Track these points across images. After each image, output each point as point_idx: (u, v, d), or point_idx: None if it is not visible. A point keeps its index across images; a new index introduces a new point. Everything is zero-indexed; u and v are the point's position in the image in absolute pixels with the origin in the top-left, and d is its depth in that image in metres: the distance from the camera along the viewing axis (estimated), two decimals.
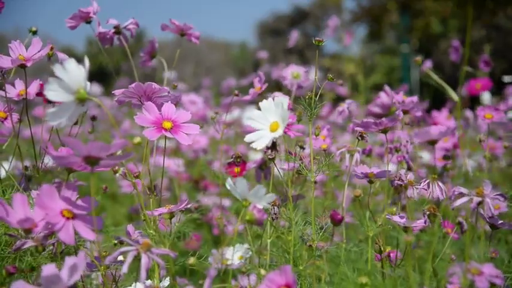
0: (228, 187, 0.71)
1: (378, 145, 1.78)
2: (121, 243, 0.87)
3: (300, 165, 0.92)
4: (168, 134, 0.80)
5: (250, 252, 1.02)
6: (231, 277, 0.83)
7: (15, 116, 0.97)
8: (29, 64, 0.91)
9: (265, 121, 0.77)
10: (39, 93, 0.97)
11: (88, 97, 0.62)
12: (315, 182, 0.91)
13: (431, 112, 1.62)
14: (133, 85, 0.84)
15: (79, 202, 0.67)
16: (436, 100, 2.09)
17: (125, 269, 0.62)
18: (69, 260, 0.58)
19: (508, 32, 8.69)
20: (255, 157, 2.04)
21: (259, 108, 0.79)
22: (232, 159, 1.03)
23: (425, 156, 1.91)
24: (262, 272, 0.81)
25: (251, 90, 1.09)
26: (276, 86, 1.26)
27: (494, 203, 0.84)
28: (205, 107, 2.47)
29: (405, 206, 0.92)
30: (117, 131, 0.74)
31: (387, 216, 0.88)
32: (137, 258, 0.65)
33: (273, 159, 0.88)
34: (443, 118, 1.55)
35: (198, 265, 0.87)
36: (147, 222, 0.82)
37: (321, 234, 0.89)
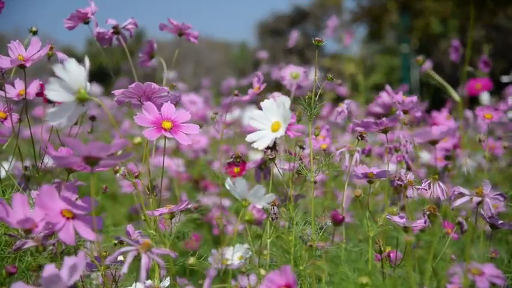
0: (228, 187, 0.71)
1: (378, 145, 1.78)
2: (121, 243, 0.87)
3: (299, 165, 0.92)
4: (168, 134, 0.80)
5: (250, 252, 1.02)
6: (231, 277, 0.83)
7: (15, 116, 0.97)
8: (28, 64, 0.91)
9: (267, 121, 0.77)
10: (39, 93, 0.97)
11: (88, 97, 0.62)
12: (315, 182, 0.91)
13: (431, 112, 1.62)
14: (132, 85, 0.84)
15: (79, 202, 0.67)
16: (436, 100, 2.08)
17: (125, 269, 0.62)
18: (69, 260, 0.58)
19: (508, 32, 8.69)
20: (255, 157, 2.04)
21: (260, 108, 0.79)
22: (232, 159, 1.03)
23: (425, 156, 1.91)
24: (262, 272, 0.81)
25: (250, 91, 1.09)
26: (276, 86, 1.26)
27: (493, 203, 0.84)
28: (205, 107, 2.47)
29: (404, 206, 0.92)
30: (117, 131, 0.74)
31: (387, 217, 0.88)
32: (137, 258, 0.65)
33: (273, 159, 0.89)
34: (443, 118, 1.55)
35: (198, 265, 0.87)
36: (147, 222, 0.82)
37: (320, 234, 0.89)
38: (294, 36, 2.59)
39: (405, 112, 1.11)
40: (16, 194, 0.67)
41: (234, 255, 1.02)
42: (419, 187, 0.90)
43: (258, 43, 14.05)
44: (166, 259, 0.78)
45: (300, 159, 0.93)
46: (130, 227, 0.89)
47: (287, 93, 1.21)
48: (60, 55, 0.98)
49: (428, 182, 0.89)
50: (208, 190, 2.13)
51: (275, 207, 0.89)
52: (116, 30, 1.04)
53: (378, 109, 1.34)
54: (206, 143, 2.26)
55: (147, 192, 0.89)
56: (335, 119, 1.17)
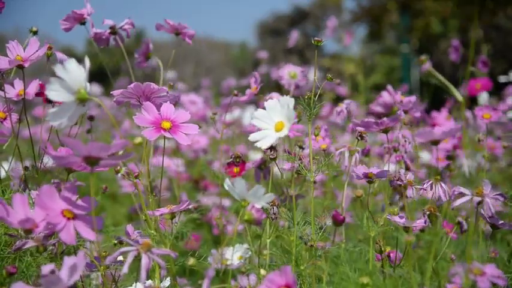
0: (227, 187, 0.71)
1: (378, 145, 1.78)
2: (121, 243, 0.87)
3: (299, 165, 0.92)
4: (167, 134, 0.80)
5: (250, 252, 1.02)
6: (231, 277, 0.83)
7: (15, 116, 0.97)
8: (26, 65, 0.91)
9: (270, 121, 0.77)
10: (39, 93, 0.97)
11: (89, 97, 0.62)
12: (314, 182, 0.91)
13: (430, 112, 1.62)
14: (132, 85, 0.84)
15: (79, 202, 0.67)
16: (436, 100, 2.08)
17: (125, 269, 0.62)
18: (69, 260, 0.59)
19: (508, 32, 8.68)
20: (255, 157, 2.04)
21: (260, 108, 0.79)
22: (231, 160, 1.03)
23: (425, 156, 1.91)
24: (263, 272, 0.81)
25: (247, 91, 1.09)
26: (276, 86, 1.26)
27: (494, 203, 0.84)
28: (205, 107, 2.47)
29: (404, 206, 0.92)
30: (117, 131, 0.74)
31: (388, 217, 0.88)
32: (137, 259, 0.65)
33: (274, 159, 0.89)
34: (442, 118, 1.55)
35: (198, 265, 0.87)
36: (148, 222, 0.82)
37: (320, 234, 0.89)
38: (294, 37, 2.59)
39: (405, 112, 1.11)
40: (16, 194, 0.67)
41: (233, 255, 1.02)
42: (420, 187, 0.90)
43: (258, 43, 14.04)
44: (166, 259, 0.78)
45: (300, 159, 0.93)
46: (130, 227, 0.89)
47: (287, 93, 1.21)
48: (60, 55, 0.97)
49: (431, 182, 0.89)
50: (208, 190, 2.13)
51: (274, 207, 0.89)
52: (113, 31, 1.04)
53: (378, 109, 1.34)
54: (206, 143, 2.26)
55: (147, 193, 0.89)
56: (335, 119, 1.17)
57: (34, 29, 1.02)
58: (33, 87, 0.97)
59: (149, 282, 0.85)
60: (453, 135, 1.10)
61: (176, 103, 0.89)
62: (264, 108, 0.78)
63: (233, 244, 1.04)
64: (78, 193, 0.69)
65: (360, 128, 0.96)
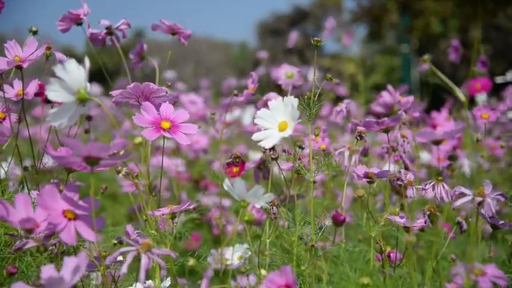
0: (226, 188, 0.71)
1: (378, 145, 1.78)
2: (121, 243, 0.87)
3: (299, 165, 0.92)
4: (167, 134, 0.80)
5: (250, 252, 1.02)
6: (231, 277, 0.83)
7: (14, 117, 0.97)
8: (25, 65, 0.91)
9: (274, 120, 0.77)
10: (38, 94, 0.97)
11: (89, 97, 0.62)
12: (314, 182, 0.91)
13: (430, 112, 1.62)
14: (131, 85, 0.83)
15: (81, 203, 0.67)
16: (435, 100, 2.08)
17: (124, 269, 0.62)
18: (71, 261, 0.58)
19: (508, 32, 8.68)
20: (255, 157, 2.04)
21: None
22: (231, 160, 1.03)
23: (425, 156, 1.91)
24: (263, 272, 0.81)
25: (245, 91, 1.09)
26: (276, 86, 1.26)
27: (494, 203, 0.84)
28: (205, 107, 2.47)
29: (403, 206, 0.92)
30: (118, 131, 0.74)
31: (389, 217, 0.88)
32: (137, 258, 0.65)
33: (276, 159, 0.89)
34: (442, 119, 1.55)
35: (198, 265, 0.87)
36: (148, 222, 0.82)
37: (320, 234, 0.89)
38: (293, 37, 2.59)
39: (405, 112, 1.11)
40: (19, 194, 0.67)
41: (233, 255, 1.02)
42: (421, 187, 0.90)
43: (258, 43, 14.04)
44: (166, 259, 0.78)
45: (299, 159, 0.93)
46: (129, 227, 0.89)
47: (285, 93, 1.21)
48: (59, 55, 0.97)
49: (433, 183, 0.89)
50: (208, 190, 2.13)
51: (274, 207, 0.89)
52: (109, 31, 1.03)
53: (379, 109, 1.34)
54: (206, 143, 2.26)
55: (147, 193, 0.89)
56: (334, 119, 1.17)
57: (34, 28, 1.02)
58: (32, 87, 0.96)
59: (149, 282, 0.85)
60: (455, 135, 1.10)
61: (175, 103, 0.89)
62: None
63: (233, 244, 1.04)
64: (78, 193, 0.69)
65: (360, 128, 0.96)
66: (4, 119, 0.96)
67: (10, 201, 0.78)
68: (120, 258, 0.70)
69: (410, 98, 1.14)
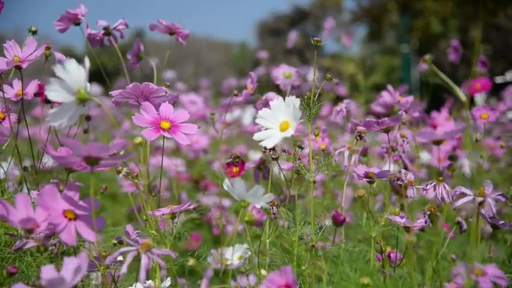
0: (226, 188, 0.71)
1: (378, 145, 1.78)
2: (121, 243, 0.87)
3: (299, 165, 0.92)
4: (167, 134, 0.80)
5: (249, 252, 1.02)
6: (231, 277, 0.83)
7: (14, 117, 0.97)
8: (24, 65, 0.91)
9: (275, 120, 0.77)
10: (38, 94, 0.97)
11: (89, 97, 0.62)
12: (314, 182, 0.91)
13: (430, 112, 1.62)
14: (130, 86, 0.83)
15: (81, 203, 0.67)
16: (435, 100, 2.08)
17: (124, 269, 0.62)
18: (71, 261, 0.58)
19: (508, 32, 8.68)
20: (255, 157, 2.04)
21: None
22: (230, 160, 1.03)
23: (425, 156, 1.91)
24: (263, 272, 0.81)
25: (244, 91, 1.09)
26: (276, 86, 1.26)
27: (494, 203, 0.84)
28: (205, 107, 2.48)
29: (403, 206, 0.92)
30: (117, 131, 0.74)
31: (389, 217, 0.88)
32: (137, 259, 0.65)
33: (276, 159, 0.89)
34: (442, 119, 1.55)
35: (198, 265, 0.87)
36: (148, 222, 0.82)
37: (320, 234, 0.89)
38: (292, 37, 2.59)
39: (405, 112, 1.11)
40: (19, 194, 0.67)
41: (233, 255, 1.02)
42: (422, 187, 0.90)
43: (258, 43, 14.05)
44: (166, 259, 0.78)
45: (299, 159, 0.93)
46: (129, 227, 0.89)
47: (285, 93, 1.21)
48: (58, 55, 0.97)
49: (434, 183, 0.89)
50: (208, 190, 2.13)
51: (274, 207, 0.89)
52: (107, 32, 1.03)
53: (379, 109, 1.34)
54: (206, 143, 2.26)
55: (147, 193, 0.89)
56: (334, 119, 1.17)
57: (33, 28, 1.02)
58: (31, 88, 0.96)
59: (149, 282, 0.85)
60: (454, 136, 1.10)
61: (175, 103, 0.89)
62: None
63: (233, 244, 1.04)
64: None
65: (360, 128, 0.96)
66: (4, 119, 0.96)
67: (10, 201, 0.78)
68: (120, 258, 0.70)
69: (410, 98, 1.13)
